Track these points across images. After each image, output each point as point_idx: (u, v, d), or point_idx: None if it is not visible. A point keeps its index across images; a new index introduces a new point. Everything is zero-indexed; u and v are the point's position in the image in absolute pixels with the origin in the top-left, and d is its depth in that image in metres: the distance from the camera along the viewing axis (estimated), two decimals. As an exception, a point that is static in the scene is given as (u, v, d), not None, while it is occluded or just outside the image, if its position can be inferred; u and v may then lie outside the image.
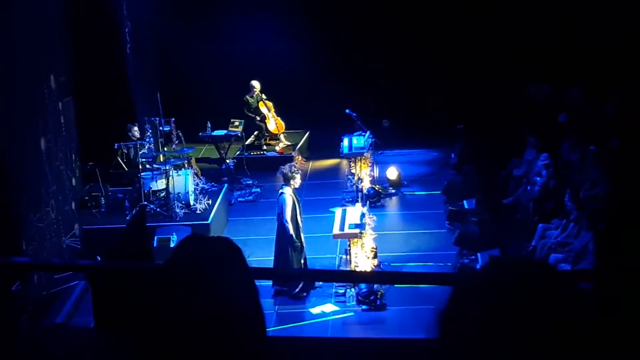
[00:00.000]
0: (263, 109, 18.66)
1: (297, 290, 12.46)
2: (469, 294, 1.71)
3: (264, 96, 18.68)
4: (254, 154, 18.44)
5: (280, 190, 12.58)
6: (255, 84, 18.55)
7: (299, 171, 12.94)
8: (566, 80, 17.61)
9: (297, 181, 12.62)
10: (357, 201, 14.50)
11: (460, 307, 1.70)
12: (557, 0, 17.89)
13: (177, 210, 14.44)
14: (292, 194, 12.49)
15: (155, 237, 13.45)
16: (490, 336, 1.63)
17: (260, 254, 13.13)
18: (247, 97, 18.56)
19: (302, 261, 12.60)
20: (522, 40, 18.23)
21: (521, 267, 1.74)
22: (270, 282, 12.44)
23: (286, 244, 12.46)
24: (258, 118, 18.59)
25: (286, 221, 12.34)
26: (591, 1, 17.38)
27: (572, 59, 17.62)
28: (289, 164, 13.06)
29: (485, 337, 1.63)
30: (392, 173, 16.85)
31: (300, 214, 12.61)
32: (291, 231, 12.34)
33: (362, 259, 12.58)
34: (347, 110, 16.92)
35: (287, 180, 12.54)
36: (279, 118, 18.83)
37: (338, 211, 13.45)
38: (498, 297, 1.65)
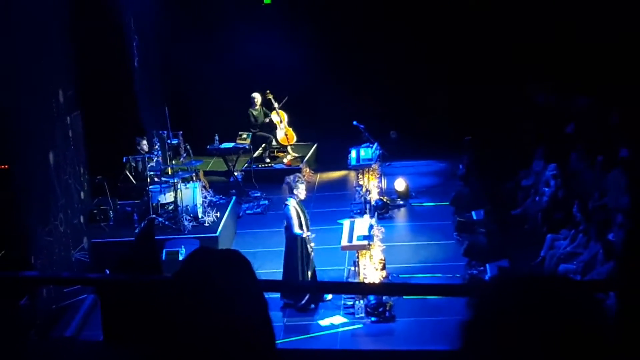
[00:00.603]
0: (274, 117, 18.70)
1: (304, 302, 12.45)
2: (488, 307, 1.71)
3: (276, 105, 18.73)
4: (262, 167, 18.46)
5: (285, 203, 12.55)
6: (256, 95, 18.57)
7: (303, 181, 12.86)
8: (573, 89, 17.61)
9: (300, 191, 12.53)
10: (365, 213, 14.48)
11: (481, 321, 1.69)
12: (563, 7, 17.90)
13: (186, 223, 14.45)
14: (296, 205, 12.45)
15: (164, 250, 13.45)
16: (509, 349, 1.63)
17: (269, 267, 13.12)
18: (251, 110, 18.58)
19: (310, 273, 12.57)
20: (528, 49, 18.26)
21: (538, 281, 1.73)
22: (277, 295, 12.42)
23: (295, 257, 12.41)
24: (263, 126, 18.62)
25: (296, 232, 12.29)
26: (597, 6, 17.39)
27: (579, 67, 17.63)
28: (293, 175, 13.01)
29: (504, 349, 1.63)
30: (400, 184, 16.83)
31: (307, 225, 12.55)
32: (304, 234, 12.31)
33: (371, 271, 12.56)
34: (354, 122, 16.93)
35: (291, 192, 12.50)
36: (290, 129, 18.87)
37: (346, 223, 13.44)
38: (516, 312, 1.65)
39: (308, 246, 12.48)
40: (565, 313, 1.64)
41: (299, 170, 17.08)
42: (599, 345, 1.64)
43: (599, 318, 1.66)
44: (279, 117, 18.77)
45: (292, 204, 12.40)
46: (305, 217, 12.55)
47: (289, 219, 12.32)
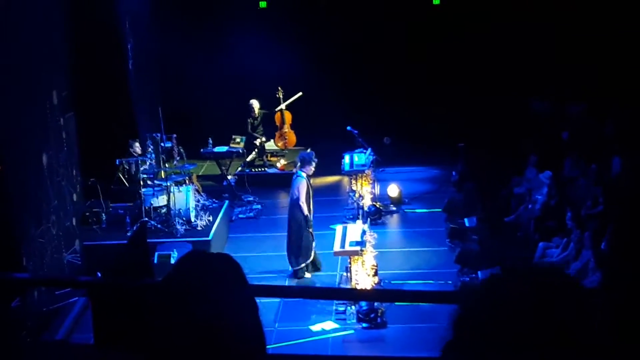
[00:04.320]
0: (277, 118, 18.76)
1: (299, 267, 13.31)
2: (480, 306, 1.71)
3: (283, 106, 18.75)
4: (255, 171, 18.45)
5: (295, 175, 13.37)
6: (254, 102, 18.56)
7: (316, 160, 13.67)
8: (568, 97, 17.65)
9: (311, 168, 13.45)
10: (358, 218, 14.48)
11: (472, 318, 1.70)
12: (558, 15, 17.96)
13: (178, 227, 14.43)
14: (307, 180, 13.28)
15: (156, 254, 13.43)
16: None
17: (261, 271, 13.16)
18: (249, 120, 18.57)
19: (311, 238, 13.38)
20: (523, 55, 18.30)
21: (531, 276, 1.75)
22: (269, 299, 12.42)
23: (298, 226, 13.21)
24: (263, 139, 18.59)
25: (302, 202, 13.11)
26: (594, 16, 17.45)
27: (574, 75, 17.67)
28: (310, 150, 13.70)
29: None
30: (393, 190, 16.84)
31: (312, 199, 13.43)
32: (305, 212, 13.17)
33: (363, 277, 12.56)
34: (348, 128, 16.94)
35: (303, 165, 13.33)
36: (292, 132, 18.89)
37: (339, 228, 13.44)
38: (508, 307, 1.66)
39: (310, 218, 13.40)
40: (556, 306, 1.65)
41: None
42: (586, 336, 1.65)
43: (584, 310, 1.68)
44: (284, 119, 18.80)
45: (304, 177, 13.28)
46: (312, 193, 13.45)
47: (299, 189, 13.14)
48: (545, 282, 1.71)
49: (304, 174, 13.34)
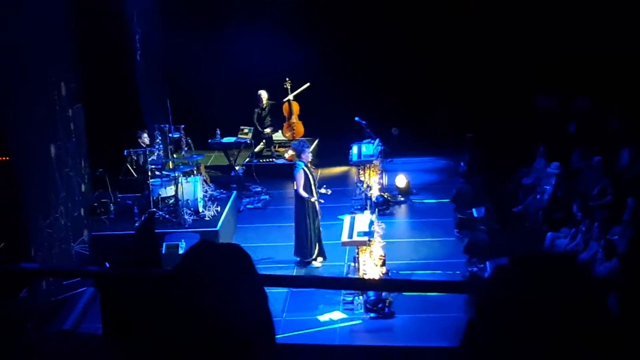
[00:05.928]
0: (285, 109, 18.74)
1: (310, 259, 13.56)
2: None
3: (291, 97, 18.70)
4: (263, 161, 18.45)
5: (295, 165, 13.63)
6: (263, 93, 18.52)
7: (309, 146, 14.03)
8: (575, 90, 17.58)
9: (307, 155, 13.66)
10: (366, 209, 14.48)
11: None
12: (563, 8, 17.88)
13: (186, 217, 14.45)
14: (306, 169, 13.49)
15: (164, 244, 13.44)
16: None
17: (269, 261, 13.18)
18: (256, 110, 18.53)
19: (316, 231, 13.54)
20: (531, 48, 18.23)
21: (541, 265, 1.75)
22: (277, 289, 12.45)
23: (302, 214, 13.43)
24: (267, 130, 18.56)
25: (300, 191, 13.37)
26: (600, 10, 17.37)
27: (581, 68, 17.59)
28: (299, 140, 14.34)
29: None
30: (401, 181, 16.83)
31: (315, 186, 13.61)
32: (307, 197, 13.35)
33: (371, 267, 12.56)
34: (356, 118, 16.91)
35: (299, 155, 13.59)
36: (300, 122, 18.86)
37: (347, 219, 13.45)
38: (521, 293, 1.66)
39: (316, 206, 13.53)
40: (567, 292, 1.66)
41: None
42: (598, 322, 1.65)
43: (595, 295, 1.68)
44: (291, 110, 18.75)
45: (302, 167, 13.47)
46: (313, 180, 13.61)
47: (296, 180, 13.38)
48: (555, 270, 1.71)
49: (302, 163, 13.50)
